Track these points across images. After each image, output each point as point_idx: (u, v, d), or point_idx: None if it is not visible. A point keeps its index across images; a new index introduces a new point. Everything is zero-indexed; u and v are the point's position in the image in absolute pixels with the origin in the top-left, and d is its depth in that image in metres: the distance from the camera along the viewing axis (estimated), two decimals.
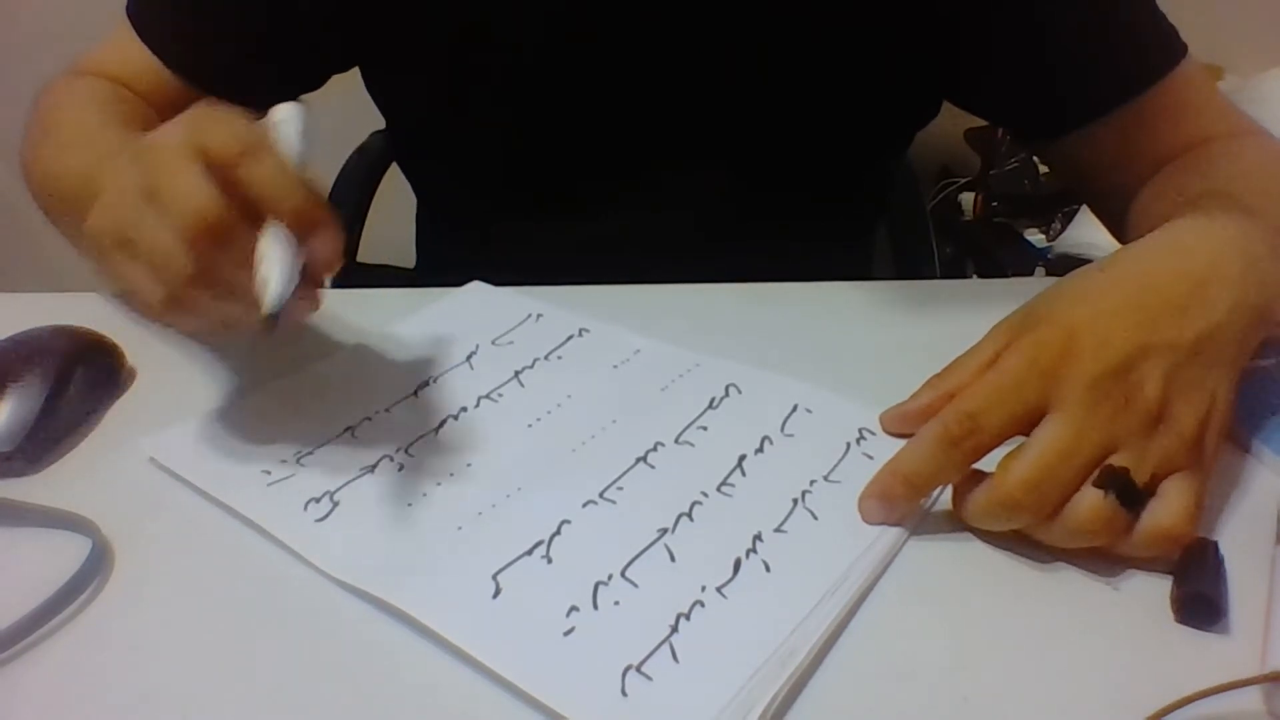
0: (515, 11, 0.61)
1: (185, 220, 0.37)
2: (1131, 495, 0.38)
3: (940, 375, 0.45)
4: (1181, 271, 0.42)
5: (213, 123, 0.39)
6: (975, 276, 1.58)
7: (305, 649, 0.36)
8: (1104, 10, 0.60)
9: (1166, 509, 0.38)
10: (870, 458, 0.45)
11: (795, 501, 0.42)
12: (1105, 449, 0.38)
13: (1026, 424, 0.39)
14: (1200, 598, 0.37)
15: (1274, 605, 0.36)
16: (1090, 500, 0.38)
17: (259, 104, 0.65)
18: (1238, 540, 0.40)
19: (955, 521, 0.42)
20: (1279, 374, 0.49)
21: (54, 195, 0.56)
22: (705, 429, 0.47)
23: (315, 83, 0.68)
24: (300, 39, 0.63)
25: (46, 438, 0.47)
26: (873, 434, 0.47)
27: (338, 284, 0.86)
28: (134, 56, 0.63)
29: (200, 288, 0.39)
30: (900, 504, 0.41)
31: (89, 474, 0.46)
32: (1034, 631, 0.37)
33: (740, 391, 0.50)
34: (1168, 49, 0.60)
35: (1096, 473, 0.38)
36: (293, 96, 0.65)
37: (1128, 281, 0.43)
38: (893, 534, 0.40)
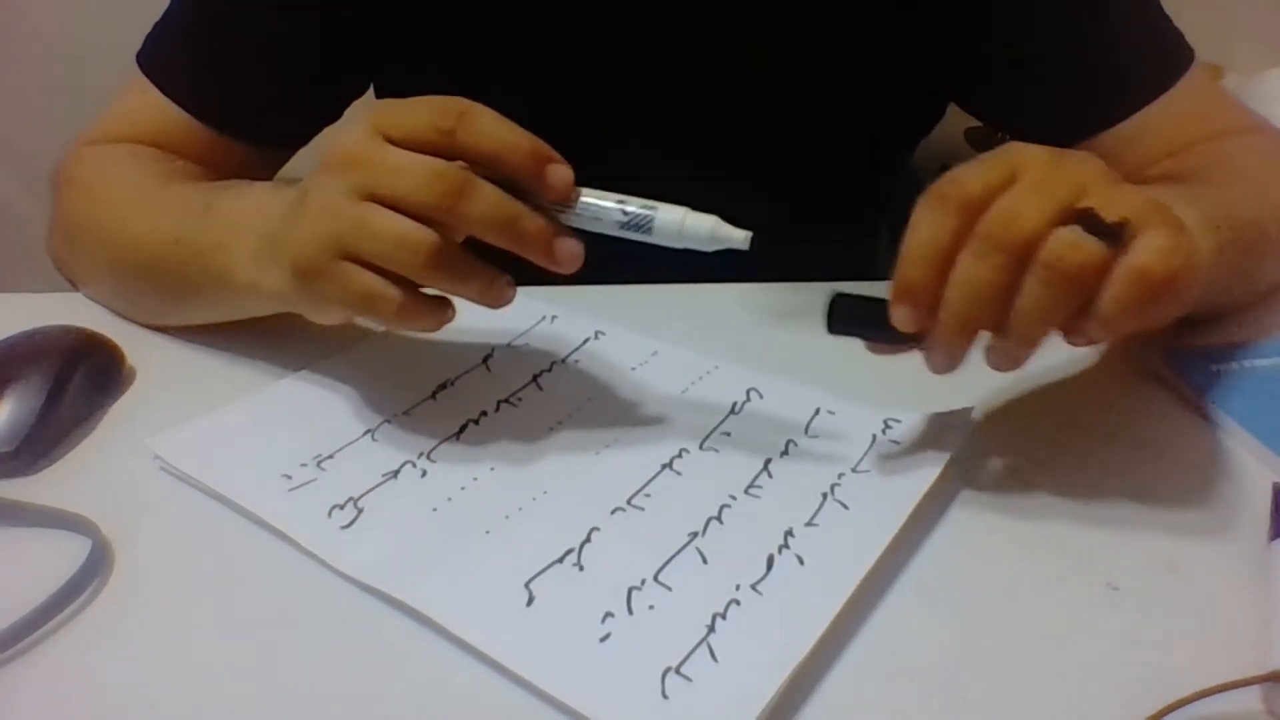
0: (516, 27, 0.61)
1: (419, 186, 0.39)
2: (1101, 229, 0.36)
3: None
4: None
5: (385, 115, 0.40)
6: None
7: (309, 649, 0.36)
8: (1110, 20, 0.60)
9: (1145, 245, 0.36)
10: (898, 443, 0.45)
11: (825, 495, 0.42)
12: (1076, 194, 0.37)
13: (998, 189, 0.37)
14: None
15: (1272, 604, 0.36)
16: (1060, 234, 0.36)
17: (287, 142, 0.65)
18: (1234, 538, 0.40)
19: (955, 522, 0.42)
20: (1272, 371, 0.50)
21: (133, 261, 0.54)
22: (729, 434, 0.47)
23: (337, 112, 0.67)
24: (320, 68, 0.63)
25: (46, 438, 0.47)
26: (898, 421, 0.47)
27: None
28: (153, 115, 0.61)
29: (443, 267, 0.39)
30: (922, 296, 0.38)
31: (89, 474, 0.46)
32: (1034, 631, 0.37)
33: (761, 396, 0.50)
34: (1175, 57, 0.60)
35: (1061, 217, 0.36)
36: (317, 129, 0.66)
37: None
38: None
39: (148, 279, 0.54)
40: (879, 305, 0.39)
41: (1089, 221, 0.36)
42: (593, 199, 0.41)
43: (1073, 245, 0.35)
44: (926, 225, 0.38)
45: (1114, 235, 0.36)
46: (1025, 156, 0.39)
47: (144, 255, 0.53)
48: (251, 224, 0.46)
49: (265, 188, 0.50)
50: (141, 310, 0.57)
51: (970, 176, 0.38)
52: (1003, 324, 0.37)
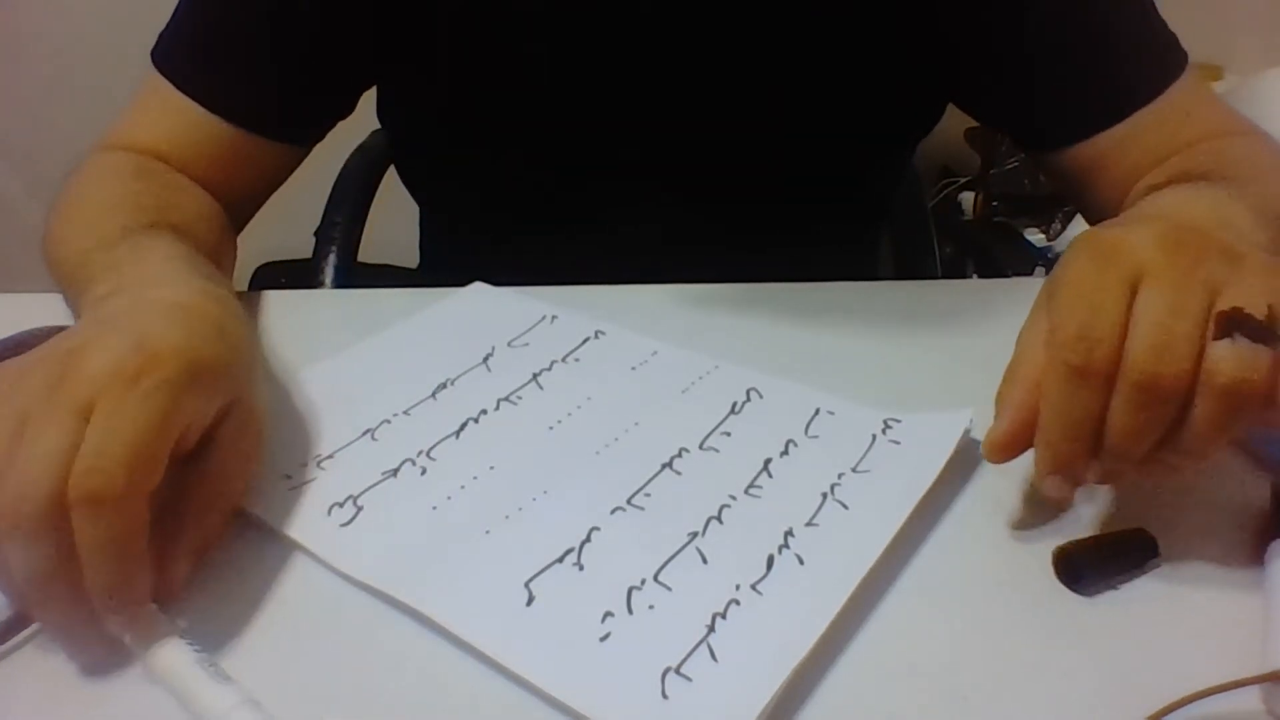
0: (517, 22, 0.61)
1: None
2: (1258, 331, 0.34)
3: (1010, 374, 0.40)
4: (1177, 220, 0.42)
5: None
6: (975, 276, 1.58)
7: (308, 648, 0.36)
8: (1105, 24, 0.60)
9: None
10: (898, 444, 0.45)
11: (825, 495, 0.42)
12: (1209, 296, 0.35)
13: (1126, 317, 0.36)
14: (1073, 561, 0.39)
15: (1272, 604, 0.36)
16: (1220, 351, 0.34)
17: (301, 136, 0.65)
18: (1234, 538, 0.40)
19: (955, 522, 0.42)
20: None
21: (56, 278, 0.54)
22: (729, 434, 0.47)
23: (350, 107, 0.67)
24: (337, 62, 0.63)
25: None
26: (898, 421, 0.47)
27: (340, 284, 0.87)
28: (169, 116, 0.61)
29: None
30: (1076, 464, 0.37)
31: None
32: (1034, 631, 0.37)
33: (761, 396, 0.50)
34: (1168, 62, 0.61)
35: (1211, 326, 0.35)
36: (331, 123, 0.66)
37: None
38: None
39: (67, 298, 0.53)
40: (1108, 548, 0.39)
41: (1242, 325, 0.34)
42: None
43: (1247, 365, 0.34)
44: (1069, 405, 0.36)
45: (1271, 335, 0.34)
46: (1140, 258, 0.36)
47: (58, 273, 0.53)
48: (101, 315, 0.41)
49: (139, 288, 0.45)
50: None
51: (1094, 322, 0.35)
52: (1168, 445, 0.36)
